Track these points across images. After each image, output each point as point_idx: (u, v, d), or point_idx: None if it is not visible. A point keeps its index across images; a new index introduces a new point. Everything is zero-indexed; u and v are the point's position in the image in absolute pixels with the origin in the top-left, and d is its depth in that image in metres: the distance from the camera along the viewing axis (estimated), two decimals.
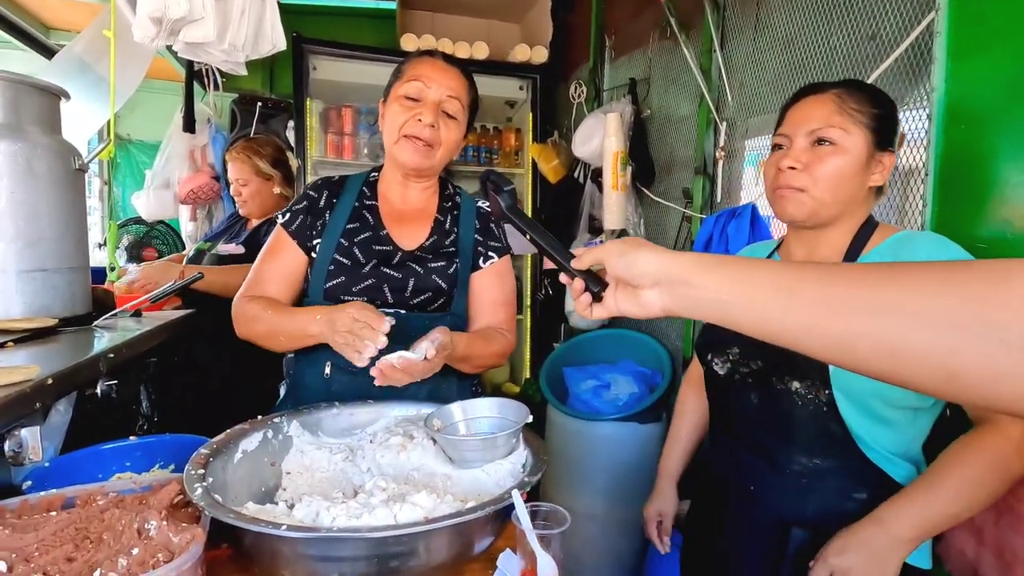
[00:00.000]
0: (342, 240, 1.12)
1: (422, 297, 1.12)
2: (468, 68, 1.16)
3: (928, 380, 0.40)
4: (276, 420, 0.93)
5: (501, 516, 0.73)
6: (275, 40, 1.52)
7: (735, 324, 0.47)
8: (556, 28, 3.07)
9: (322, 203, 1.16)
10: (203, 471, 0.73)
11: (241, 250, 2.02)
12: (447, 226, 1.18)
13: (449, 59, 1.13)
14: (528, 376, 2.98)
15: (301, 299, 1.18)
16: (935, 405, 0.90)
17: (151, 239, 3.16)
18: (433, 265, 1.13)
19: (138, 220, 3.06)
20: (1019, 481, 0.88)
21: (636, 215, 2.32)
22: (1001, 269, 0.38)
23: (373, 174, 1.22)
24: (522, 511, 0.68)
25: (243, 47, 1.48)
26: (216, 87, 2.97)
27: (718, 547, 1.06)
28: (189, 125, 2.65)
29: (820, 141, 0.90)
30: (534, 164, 3.01)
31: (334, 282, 1.10)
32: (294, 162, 2.49)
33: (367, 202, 1.18)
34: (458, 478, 0.84)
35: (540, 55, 3.07)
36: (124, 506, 0.68)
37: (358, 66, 2.94)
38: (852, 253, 0.93)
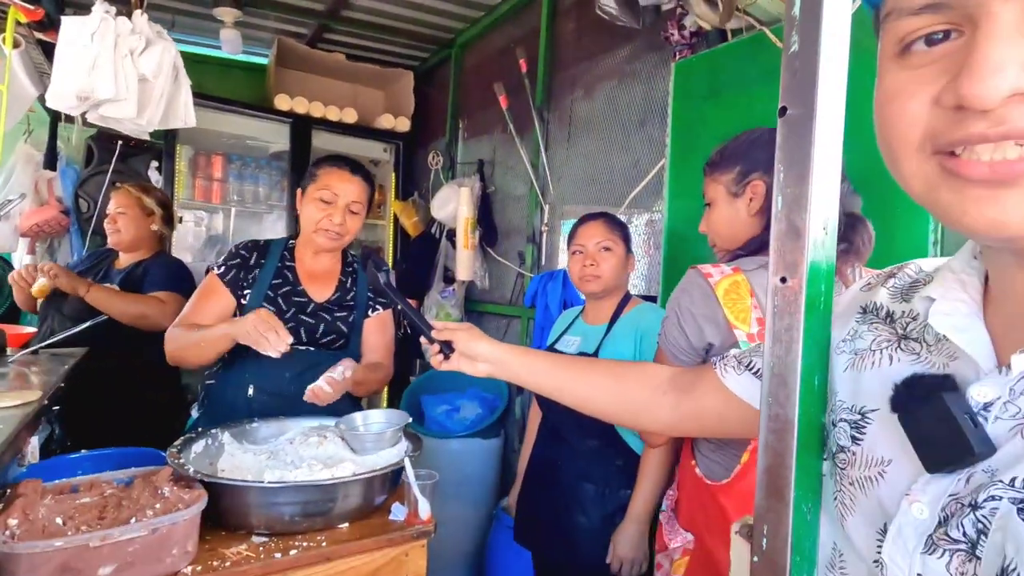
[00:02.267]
0: (269, 292, 1.46)
1: (328, 338, 1.50)
2: (367, 172, 1.57)
3: (609, 419, 0.88)
4: (213, 431, 1.24)
5: (394, 479, 1.15)
6: (186, 118, 1.78)
7: (528, 387, 0.95)
8: (418, 100, 3.57)
9: (252, 261, 1.50)
10: (181, 460, 1.04)
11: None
12: (347, 285, 1.59)
13: (354, 169, 1.52)
14: (386, 406, 3.32)
15: None
16: None
17: None
18: (337, 315, 1.52)
19: None
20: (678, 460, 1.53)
21: (482, 270, 2.86)
22: (630, 368, 0.87)
23: (291, 242, 1.58)
24: (410, 470, 1.11)
25: (155, 122, 1.73)
26: (71, 120, 2.94)
27: (541, 508, 1.59)
28: (51, 163, 2.62)
29: (603, 248, 1.54)
30: (395, 218, 3.44)
31: None
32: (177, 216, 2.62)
33: (287, 263, 1.54)
34: (360, 462, 1.23)
35: (403, 124, 3.55)
36: (125, 490, 0.97)
37: (230, 118, 3.14)
38: (616, 314, 1.56)
